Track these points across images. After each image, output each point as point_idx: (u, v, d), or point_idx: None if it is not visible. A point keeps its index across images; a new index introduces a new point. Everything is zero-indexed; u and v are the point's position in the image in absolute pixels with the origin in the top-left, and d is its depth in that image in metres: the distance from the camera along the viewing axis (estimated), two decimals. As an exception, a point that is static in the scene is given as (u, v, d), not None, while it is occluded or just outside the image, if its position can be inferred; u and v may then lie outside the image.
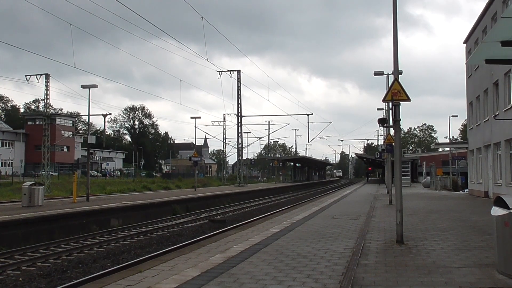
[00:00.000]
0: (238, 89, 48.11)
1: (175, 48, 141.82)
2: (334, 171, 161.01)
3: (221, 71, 46.49)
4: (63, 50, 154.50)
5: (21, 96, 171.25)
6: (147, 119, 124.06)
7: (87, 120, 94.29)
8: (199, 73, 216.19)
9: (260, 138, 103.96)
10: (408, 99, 9.78)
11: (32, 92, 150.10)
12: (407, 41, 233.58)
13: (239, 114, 49.01)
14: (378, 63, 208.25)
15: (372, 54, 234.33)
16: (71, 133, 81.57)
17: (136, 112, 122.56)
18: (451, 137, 71.43)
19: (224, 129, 61.30)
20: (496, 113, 23.56)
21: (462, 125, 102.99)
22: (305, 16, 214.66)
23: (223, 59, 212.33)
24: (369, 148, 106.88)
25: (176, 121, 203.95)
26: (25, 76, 33.73)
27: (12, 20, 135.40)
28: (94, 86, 27.43)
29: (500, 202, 6.61)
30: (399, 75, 10.46)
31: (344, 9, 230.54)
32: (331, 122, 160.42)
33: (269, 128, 77.00)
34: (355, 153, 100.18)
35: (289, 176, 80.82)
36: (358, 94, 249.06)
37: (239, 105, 48.65)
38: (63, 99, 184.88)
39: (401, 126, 10.72)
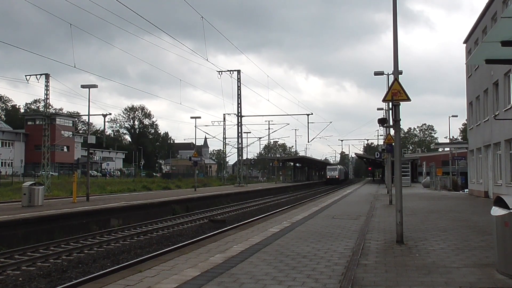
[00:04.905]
0: (238, 89, 48.14)
1: (169, 45, 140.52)
2: (328, 167, 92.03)
3: (221, 71, 46.48)
4: (55, 47, 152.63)
5: (16, 95, 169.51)
6: (146, 119, 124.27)
7: (86, 120, 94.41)
8: (194, 71, 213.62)
9: (260, 138, 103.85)
10: (408, 99, 9.78)
11: (27, 91, 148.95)
12: (407, 38, 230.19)
13: (239, 114, 49.03)
14: (377, 61, 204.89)
15: (371, 52, 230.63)
16: (71, 133, 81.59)
17: (136, 112, 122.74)
18: (451, 137, 71.56)
19: (224, 129, 61.40)
20: (496, 113, 23.56)
21: (462, 125, 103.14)
22: (301, 11, 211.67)
23: (219, 56, 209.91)
24: (369, 148, 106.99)
25: (174, 121, 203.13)
26: (25, 76, 33.93)
27: (2, 16, 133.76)
28: (94, 86, 27.40)
29: (500, 202, 6.62)
30: (399, 75, 10.46)
31: (342, 3, 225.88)
32: (331, 122, 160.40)
33: (269, 128, 76.61)
34: (355, 153, 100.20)
35: (289, 176, 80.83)
36: (357, 93, 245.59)
37: (239, 105, 48.67)
38: (58, 98, 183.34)
39: (401, 126, 10.72)
